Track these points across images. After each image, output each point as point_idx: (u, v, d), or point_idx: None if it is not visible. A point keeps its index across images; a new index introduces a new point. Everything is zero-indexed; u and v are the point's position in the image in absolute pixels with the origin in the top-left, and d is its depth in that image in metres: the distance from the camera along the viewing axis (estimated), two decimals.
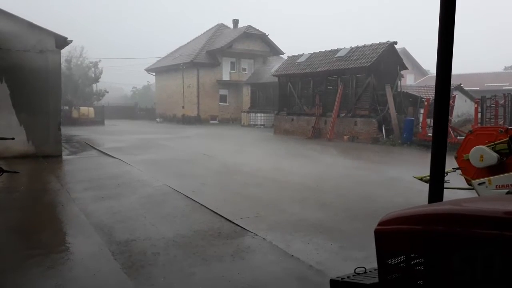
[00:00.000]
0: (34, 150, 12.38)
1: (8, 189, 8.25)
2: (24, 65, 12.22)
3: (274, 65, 32.55)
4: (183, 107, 36.17)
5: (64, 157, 12.99)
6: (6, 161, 10.44)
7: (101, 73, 38.78)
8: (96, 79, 38.82)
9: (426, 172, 5.41)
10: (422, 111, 19.22)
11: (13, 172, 7.16)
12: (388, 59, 20.32)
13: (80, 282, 3.99)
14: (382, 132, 19.17)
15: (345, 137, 20.24)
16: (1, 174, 6.18)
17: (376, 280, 1.97)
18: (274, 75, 26.80)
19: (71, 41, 13.56)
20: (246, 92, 35.80)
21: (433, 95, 3.11)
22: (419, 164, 12.22)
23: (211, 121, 35.95)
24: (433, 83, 3.20)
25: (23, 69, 12.20)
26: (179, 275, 4.14)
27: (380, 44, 20.54)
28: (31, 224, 6.05)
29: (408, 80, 39.75)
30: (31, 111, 12.32)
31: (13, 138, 8.34)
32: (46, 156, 12.37)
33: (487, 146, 5.32)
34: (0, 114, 11.88)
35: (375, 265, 2.15)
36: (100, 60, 39.27)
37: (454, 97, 19.70)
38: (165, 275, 4.12)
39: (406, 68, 22.01)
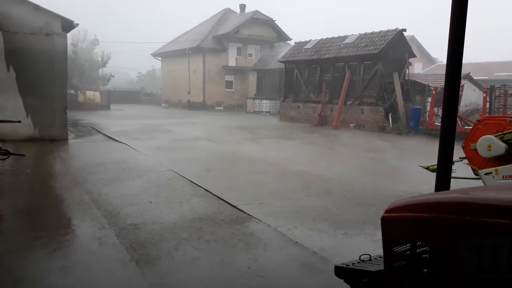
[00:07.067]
0: (41, 134, 12.44)
1: (15, 172, 8.31)
2: (30, 49, 12.20)
3: (281, 51, 32.28)
4: (188, 92, 36.11)
5: (70, 141, 13.05)
6: (13, 144, 10.50)
7: (109, 58, 38.61)
8: (104, 64, 38.70)
9: (432, 161, 5.38)
10: (429, 99, 19.05)
11: (20, 155, 7.19)
12: (397, 47, 20.09)
13: (85, 264, 4.03)
14: (389, 121, 19.06)
15: (351, 125, 20.15)
16: (8, 157, 6.21)
17: (381, 267, 1.96)
18: (280, 61, 26.61)
19: (77, 24, 13.51)
20: (252, 78, 35.63)
21: (441, 84, 3.08)
22: (425, 153, 12.17)
23: (217, 107, 35.89)
24: (442, 71, 3.16)
25: (30, 53, 12.19)
26: (184, 260, 4.17)
27: (388, 31, 20.29)
28: (37, 207, 6.11)
29: (416, 68, 39.37)
30: (37, 95, 12.34)
31: (19, 121, 8.38)
32: (52, 139, 12.44)
33: (495, 136, 5.25)
34: (7, 97, 11.91)
35: (379, 252, 2.14)
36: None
37: (463, 86, 19.48)
38: (169, 259, 4.15)
39: (414, 56, 21.77)
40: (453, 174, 3.23)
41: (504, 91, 18.00)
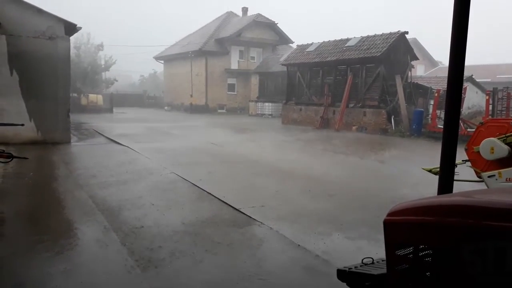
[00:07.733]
0: (43, 137, 12.47)
1: (18, 175, 8.32)
2: (33, 52, 12.25)
3: (283, 54, 32.34)
4: (191, 95, 36.18)
5: (73, 144, 13.08)
6: (16, 147, 10.53)
7: (113, 63, 38.59)
8: (107, 68, 38.71)
9: (434, 164, 5.36)
10: (432, 102, 19.02)
11: (23, 158, 7.20)
12: (399, 49, 20.08)
13: (87, 267, 4.03)
14: (391, 123, 19.04)
15: (354, 127, 20.12)
16: (11, 160, 6.22)
17: (384, 270, 1.95)
18: (283, 64, 26.65)
19: (80, 27, 13.56)
20: (255, 81, 35.68)
21: (444, 86, 3.07)
22: (428, 156, 12.13)
23: (219, 110, 35.96)
24: (444, 74, 3.16)
25: (33, 56, 12.23)
26: (186, 262, 4.16)
27: (391, 34, 20.29)
28: (40, 210, 6.12)
29: (419, 71, 39.32)
30: (40, 98, 12.37)
31: (22, 125, 8.38)
32: (55, 143, 12.46)
33: (498, 139, 5.24)
34: (10, 101, 11.95)
35: (382, 256, 2.13)
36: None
37: (465, 88, 19.44)
38: (172, 263, 4.14)
39: (416, 58, 21.74)
40: (456, 177, 3.23)
41: (507, 93, 17.95)
